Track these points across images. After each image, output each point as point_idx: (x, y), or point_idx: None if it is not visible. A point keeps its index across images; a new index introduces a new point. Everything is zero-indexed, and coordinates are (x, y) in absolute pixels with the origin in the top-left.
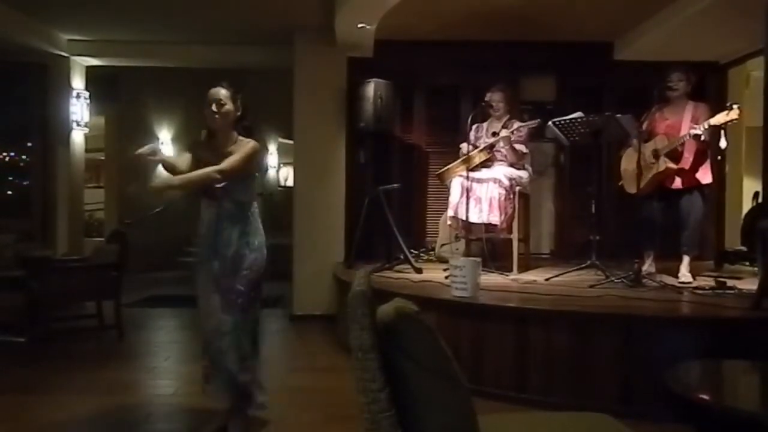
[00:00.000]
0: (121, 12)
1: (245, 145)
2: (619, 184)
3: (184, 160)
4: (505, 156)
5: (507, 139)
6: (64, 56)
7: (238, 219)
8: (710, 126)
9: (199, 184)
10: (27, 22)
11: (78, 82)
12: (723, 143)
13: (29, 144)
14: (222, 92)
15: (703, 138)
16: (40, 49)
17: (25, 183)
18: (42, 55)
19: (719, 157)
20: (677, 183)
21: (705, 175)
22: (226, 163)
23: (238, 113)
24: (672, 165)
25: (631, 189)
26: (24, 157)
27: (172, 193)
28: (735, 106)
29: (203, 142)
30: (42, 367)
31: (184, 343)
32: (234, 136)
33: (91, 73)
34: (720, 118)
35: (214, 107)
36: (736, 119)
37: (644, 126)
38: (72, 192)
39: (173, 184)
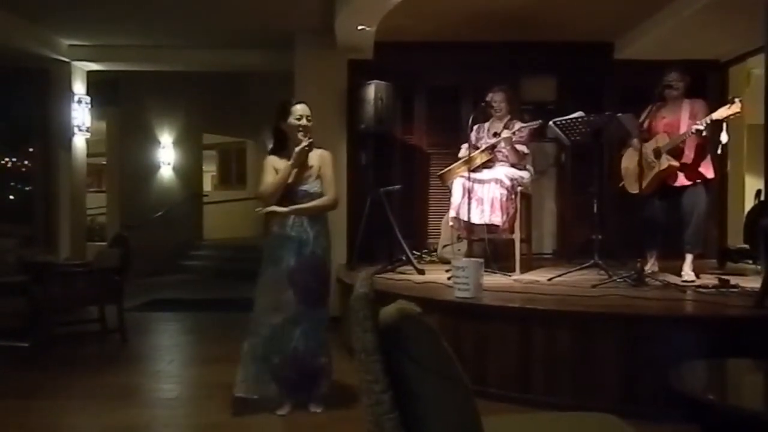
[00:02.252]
0: (122, 17)
1: (326, 159)
2: (620, 184)
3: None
4: (507, 156)
5: (508, 139)
6: (65, 61)
7: (315, 221)
8: (712, 121)
9: (315, 212)
10: (28, 27)
11: (79, 87)
12: (724, 137)
13: (31, 149)
14: (308, 108)
15: (704, 133)
16: (42, 55)
17: (27, 188)
18: (43, 60)
19: (719, 152)
20: (681, 180)
21: (708, 170)
22: (331, 189)
23: None
24: (674, 162)
25: (633, 189)
26: (26, 162)
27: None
28: (737, 100)
29: (277, 154)
30: (45, 372)
31: (187, 347)
32: None
33: (92, 77)
34: (722, 112)
35: (305, 121)
36: (738, 113)
37: (645, 125)
38: (74, 196)
39: (292, 212)
